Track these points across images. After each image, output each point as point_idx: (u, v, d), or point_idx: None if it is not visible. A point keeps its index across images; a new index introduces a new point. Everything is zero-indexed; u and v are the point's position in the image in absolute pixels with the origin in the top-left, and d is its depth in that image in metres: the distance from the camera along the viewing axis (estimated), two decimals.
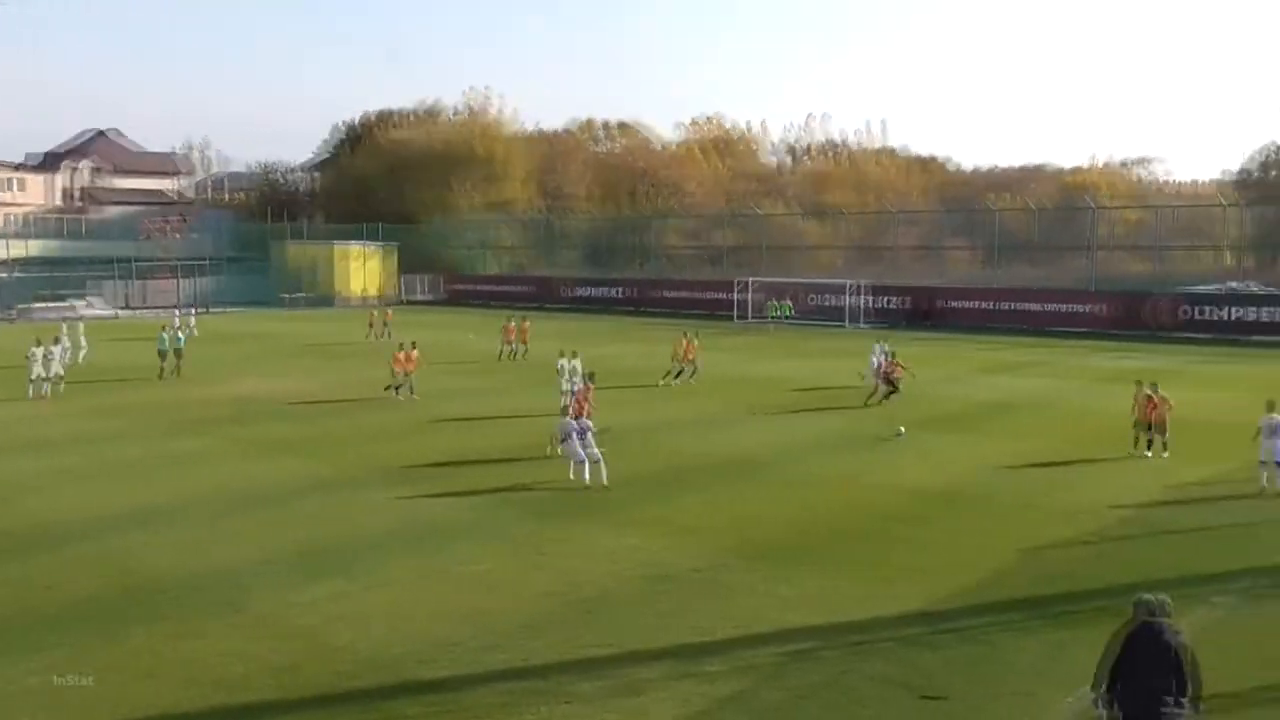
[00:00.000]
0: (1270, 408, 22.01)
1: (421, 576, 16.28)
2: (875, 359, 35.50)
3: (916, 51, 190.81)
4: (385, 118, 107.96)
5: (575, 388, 29.26)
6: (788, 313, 62.66)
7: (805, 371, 41.40)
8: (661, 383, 37.39)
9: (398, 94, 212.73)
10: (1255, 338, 52.96)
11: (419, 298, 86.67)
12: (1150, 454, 25.26)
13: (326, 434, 28.21)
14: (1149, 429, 25.57)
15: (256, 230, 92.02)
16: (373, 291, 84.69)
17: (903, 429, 28.09)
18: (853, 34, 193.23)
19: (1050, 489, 22.08)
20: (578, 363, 32.48)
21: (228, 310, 75.04)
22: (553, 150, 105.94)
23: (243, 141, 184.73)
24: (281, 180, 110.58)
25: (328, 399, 34.26)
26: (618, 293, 78.52)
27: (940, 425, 29.87)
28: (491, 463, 24.37)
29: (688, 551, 17.53)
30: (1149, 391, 25.81)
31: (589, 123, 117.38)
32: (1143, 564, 16.91)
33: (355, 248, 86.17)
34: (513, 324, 46.85)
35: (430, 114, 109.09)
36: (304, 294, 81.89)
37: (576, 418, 22.93)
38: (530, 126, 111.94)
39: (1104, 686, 9.97)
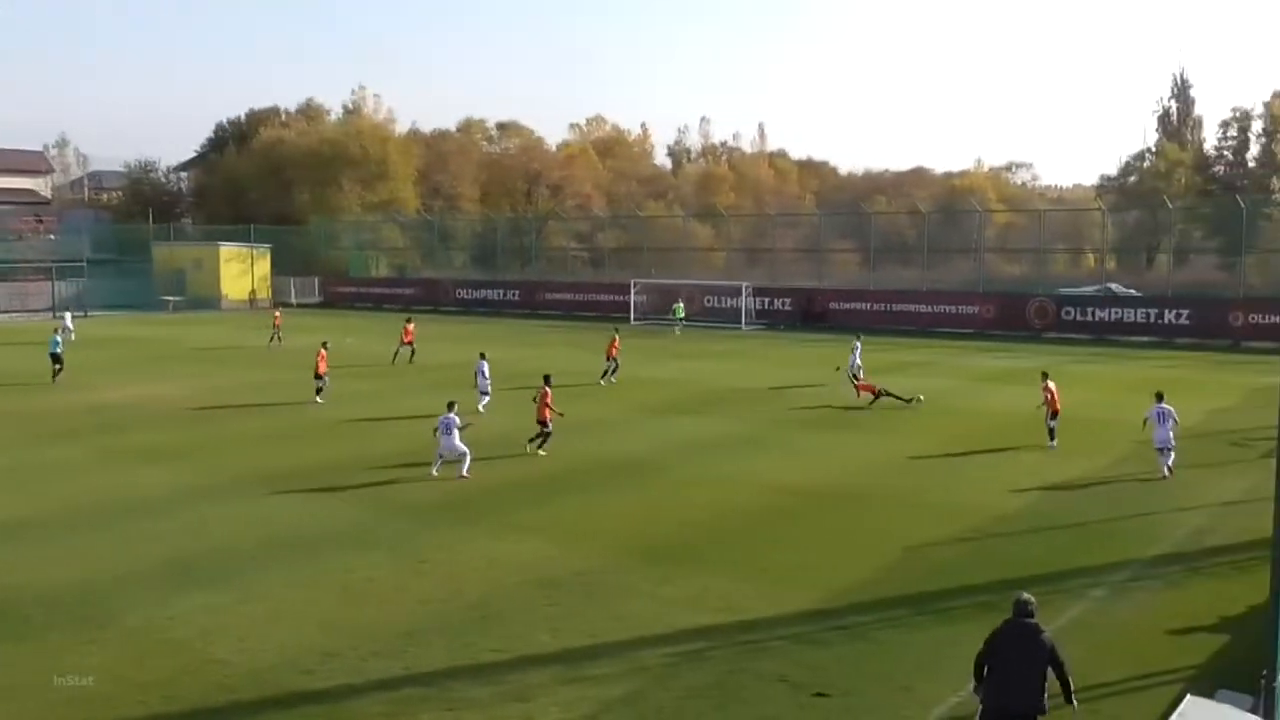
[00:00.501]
0: (1159, 398, 23.79)
1: (299, 586, 15.90)
2: (854, 357, 37.70)
3: (797, 56, 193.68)
4: (266, 117, 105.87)
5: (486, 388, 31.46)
6: (680, 314, 62.96)
7: (698, 373, 41.61)
8: (603, 382, 38.40)
9: (279, 93, 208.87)
10: (1131, 338, 54.74)
11: (292, 301, 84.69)
12: (1050, 444, 26.50)
13: (203, 441, 27.46)
14: (1054, 418, 26.83)
15: (133, 231, 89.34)
16: (244, 295, 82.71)
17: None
18: (732, 38, 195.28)
19: (933, 487, 22.47)
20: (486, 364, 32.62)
21: (106, 314, 72.66)
22: (440, 150, 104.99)
23: (114, 140, 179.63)
24: (163, 180, 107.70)
25: (207, 405, 33.36)
26: (507, 295, 78.13)
27: (825, 425, 30.25)
28: (373, 469, 23.96)
29: (574, 555, 17.42)
30: (1051, 384, 27.26)
31: (477, 122, 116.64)
32: (1021, 560, 17.29)
33: (237, 249, 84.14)
34: (411, 325, 46.63)
35: (312, 113, 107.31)
36: (185, 297, 79.71)
37: (541, 421, 24.92)
38: (416, 127, 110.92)
39: (979, 679, 10.18)
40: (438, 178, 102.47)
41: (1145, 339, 54.93)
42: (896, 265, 75.44)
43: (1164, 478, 22.86)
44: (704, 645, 13.71)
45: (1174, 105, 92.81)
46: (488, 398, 31.89)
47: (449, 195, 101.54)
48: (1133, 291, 61.96)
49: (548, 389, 25.97)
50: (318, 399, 33.87)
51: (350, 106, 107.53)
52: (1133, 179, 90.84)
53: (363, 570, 16.65)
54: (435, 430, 23.40)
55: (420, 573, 16.53)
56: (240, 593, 15.61)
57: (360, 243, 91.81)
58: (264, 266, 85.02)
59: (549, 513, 20.20)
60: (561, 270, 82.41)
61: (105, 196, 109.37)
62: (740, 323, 63.37)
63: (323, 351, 35.08)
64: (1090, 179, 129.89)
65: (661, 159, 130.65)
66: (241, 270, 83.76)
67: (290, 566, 16.80)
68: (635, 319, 67.05)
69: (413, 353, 45.07)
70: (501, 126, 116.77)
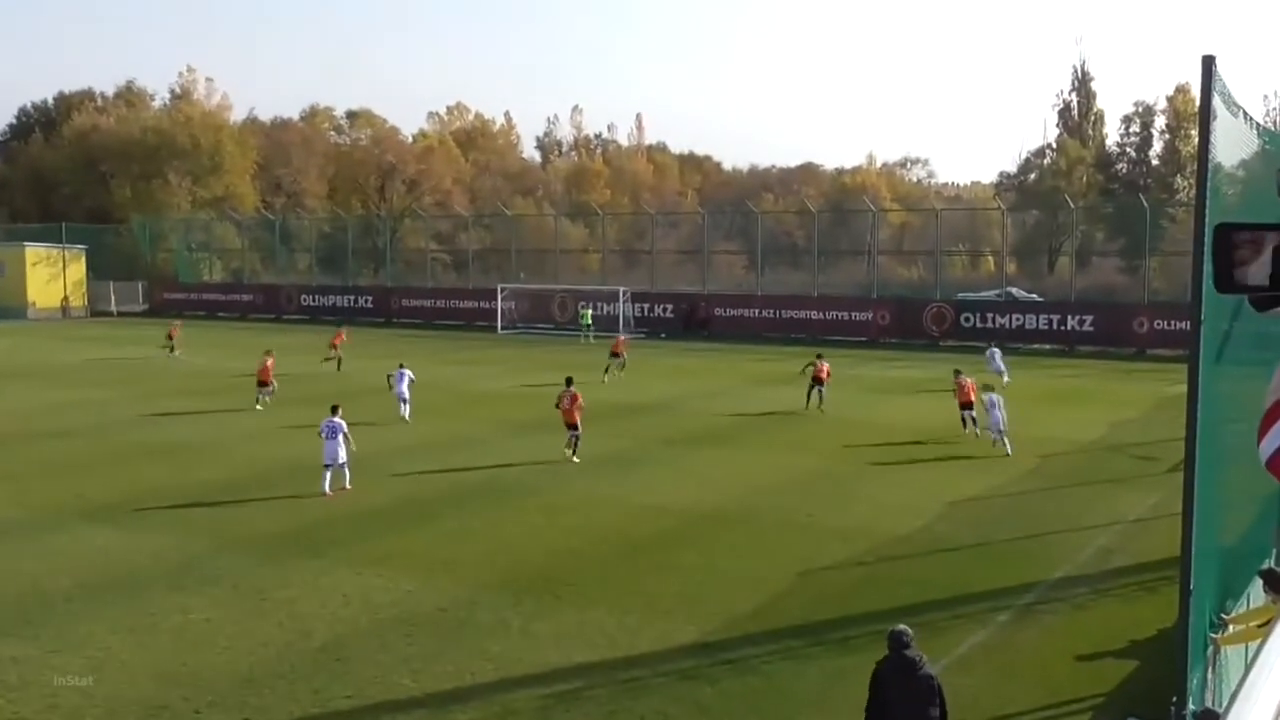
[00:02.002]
0: (987, 389, 29.88)
1: (125, 632, 15.44)
2: (996, 363, 41.80)
3: (677, 42, 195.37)
4: (78, 101, 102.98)
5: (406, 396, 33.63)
6: (587, 321, 62.84)
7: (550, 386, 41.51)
8: (605, 379, 41.93)
9: (94, 74, 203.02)
10: (1033, 345, 56.40)
11: (113, 309, 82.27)
12: (976, 430, 30.10)
13: (12, 468, 26.50)
14: (968, 409, 30.53)
15: None
16: (56, 303, 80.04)
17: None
18: (605, 20, 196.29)
19: (826, 507, 22.81)
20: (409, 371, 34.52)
21: None
22: (281, 141, 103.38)
23: None
24: None
25: (7, 428, 32.22)
26: (359, 302, 77.15)
27: (707, 441, 30.53)
28: (208, 495, 23.41)
29: (435, 589, 17.25)
30: (964, 379, 31.32)
31: (323, 110, 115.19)
32: (921, 583, 17.65)
33: (46, 250, 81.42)
34: (342, 332, 48.88)
35: (133, 98, 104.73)
36: None
37: (572, 426, 27.02)
38: (253, 115, 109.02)
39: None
40: (279, 171, 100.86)
41: (1048, 346, 56.66)
42: (785, 268, 76.63)
43: (1006, 455, 27.59)
44: (580, 685, 13.68)
45: (1074, 99, 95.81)
46: (408, 405, 33.69)
47: (292, 191, 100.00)
48: (1034, 296, 63.92)
49: (576, 392, 27.73)
50: (257, 406, 35.66)
51: (177, 91, 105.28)
52: (1033, 176, 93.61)
53: (198, 611, 16.24)
54: (320, 434, 24.10)
55: (262, 612, 16.20)
56: (54, 641, 15.07)
57: (191, 244, 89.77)
58: (78, 270, 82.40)
59: (407, 541, 19.98)
60: (420, 275, 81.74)
61: None
62: (618, 331, 63.57)
63: (269, 361, 36.65)
64: (989, 176, 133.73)
65: (530, 152, 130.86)
66: (52, 275, 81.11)
67: (114, 609, 16.31)
68: (503, 327, 66.84)
69: (340, 362, 45.77)
70: (351, 115, 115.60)
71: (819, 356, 37.26)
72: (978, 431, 30.00)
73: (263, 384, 36.38)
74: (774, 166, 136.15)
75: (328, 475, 23.71)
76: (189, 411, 35.33)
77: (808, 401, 35.64)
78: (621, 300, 64.97)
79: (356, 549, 19.48)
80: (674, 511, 22.33)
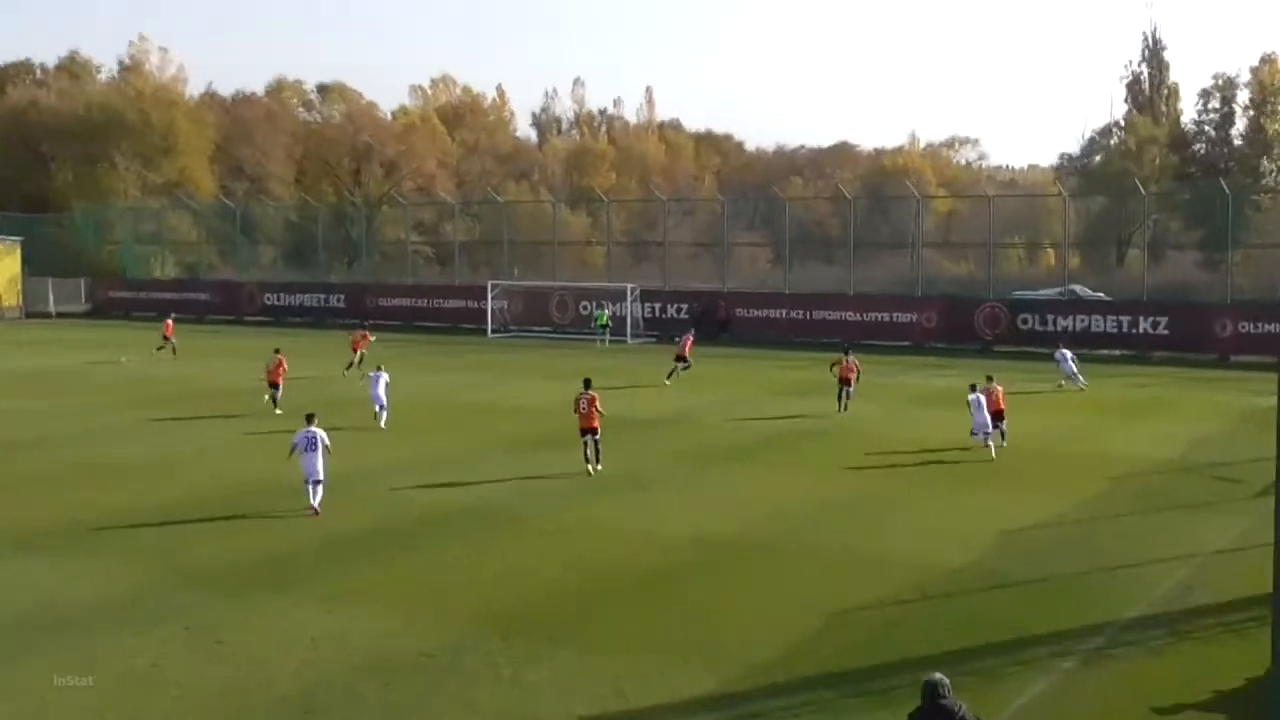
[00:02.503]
0: (973, 387, 31.46)
1: (65, 677, 15.36)
2: (1068, 365, 44.41)
3: (691, 7, 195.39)
4: (14, 73, 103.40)
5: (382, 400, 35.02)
6: (603, 322, 62.71)
7: (571, 397, 41.47)
8: (668, 382, 45.08)
9: (33, 43, 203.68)
10: (1099, 351, 56.22)
11: (51, 309, 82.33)
12: (1002, 444, 31.05)
13: None
14: (1001, 419, 31.42)
15: None
16: None
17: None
18: None
19: (862, 535, 22.69)
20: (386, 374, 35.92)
21: None
22: (244, 119, 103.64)
23: None
24: None
25: None
26: (330, 301, 77.25)
27: (726, 459, 30.43)
28: (158, 521, 23.36)
29: (416, 629, 17.16)
30: (995, 386, 32.05)
31: (291, 84, 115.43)
32: (971, 624, 17.51)
33: None
34: (367, 333, 50.22)
35: (76, 69, 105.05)
36: None
37: (590, 431, 28.02)
38: (212, 89, 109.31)
39: None
40: (241, 153, 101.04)
41: (1116, 352, 56.51)
42: (816, 263, 76.60)
43: (990, 459, 29.78)
44: None
45: (1145, 70, 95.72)
46: (385, 412, 35.14)
47: (255, 176, 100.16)
48: (1101, 295, 63.70)
49: (595, 394, 28.63)
50: (276, 410, 37.09)
51: (126, 62, 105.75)
52: (1098, 159, 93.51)
53: (145, 654, 16.17)
54: (292, 450, 24.46)
55: (219, 656, 16.12)
56: None
57: (140, 235, 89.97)
58: (12, 264, 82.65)
59: (384, 575, 19.90)
60: (399, 270, 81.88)
61: None
62: (625, 334, 63.57)
63: (280, 359, 38.62)
64: (1048, 158, 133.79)
65: (525, 130, 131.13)
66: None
67: (51, 651, 16.26)
68: (494, 330, 66.86)
69: (361, 360, 46.55)
70: (322, 89, 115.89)
71: (847, 351, 38.05)
72: (1003, 443, 31.34)
73: (274, 385, 38.29)
74: (803, 147, 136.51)
75: (309, 490, 24.10)
76: (139, 425, 35.32)
77: (839, 404, 36.62)
78: (629, 299, 64.94)
79: (327, 583, 19.40)
80: (688, 540, 22.22)
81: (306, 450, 24.26)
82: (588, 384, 29.50)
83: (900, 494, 26.36)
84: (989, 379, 32.72)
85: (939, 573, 20.19)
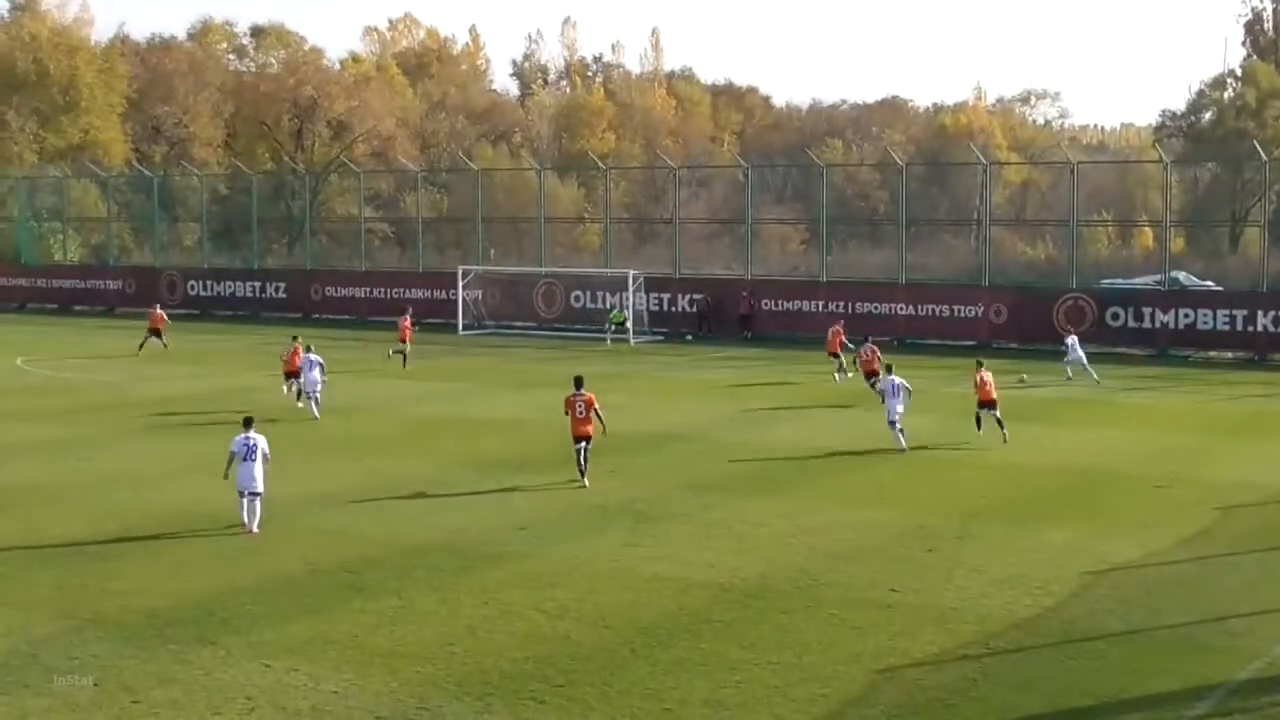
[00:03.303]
0: (889, 370, 35.79)
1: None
2: (1076, 353, 48.12)
3: None
4: None
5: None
6: (620, 320, 62.72)
7: (558, 411, 41.54)
8: (839, 378, 48.01)
9: None
10: (1208, 354, 56.17)
11: None
12: (1004, 436, 34.65)
13: None
14: (991, 409, 35.31)
15: None
16: None
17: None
18: None
19: (914, 579, 22.66)
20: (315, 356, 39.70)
21: None
22: (162, 70, 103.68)
23: None
24: None
25: None
26: (267, 291, 77.31)
27: (750, 486, 30.48)
28: (63, 559, 23.42)
29: (370, 689, 17.19)
30: (985, 373, 35.81)
31: (218, 26, 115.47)
32: (1049, 686, 17.50)
33: None
34: (408, 320, 53.80)
35: None
36: None
37: (585, 438, 29.48)
38: (124, 33, 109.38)
39: None
40: (159, 111, 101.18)
41: (1228, 354, 56.44)
42: (860, 244, 76.54)
43: (902, 451, 33.68)
44: None
45: (1270, 7, 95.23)
46: (316, 402, 38.86)
47: (176, 138, 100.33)
48: (1210, 285, 63.58)
49: (591, 394, 30.13)
50: (298, 403, 40.43)
51: (19, 0, 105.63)
52: (1208, 117, 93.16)
53: (43, 716, 16.23)
54: (230, 461, 25.36)
55: (135, 719, 16.21)
56: None
57: (38, 211, 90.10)
58: None
59: (332, 623, 19.91)
60: (350, 253, 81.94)
61: None
62: (627, 332, 63.52)
63: (297, 346, 42.05)
64: (1146, 116, 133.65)
65: (504, 82, 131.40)
66: None
67: None
68: (466, 327, 66.88)
69: (406, 358, 51.21)
70: (257, 32, 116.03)
71: (866, 338, 39.81)
72: (1005, 436, 34.82)
73: (291, 374, 41.78)
74: (844, 103, 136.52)
75: (245, 505, 24.99)
76: (37, 442, 35.39)
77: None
78: (631, 289, 64.84)
79: (263, 632, 19.43)
80: (703, 585, 22.24)
81: (245, 459, 24.94)
82: (580, 383, 30.60)
83: (962, 529, 26.31)
84: (979, 364, 36.50)
85: (1007, 623, 20.19)
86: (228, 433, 27.05)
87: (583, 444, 29.72)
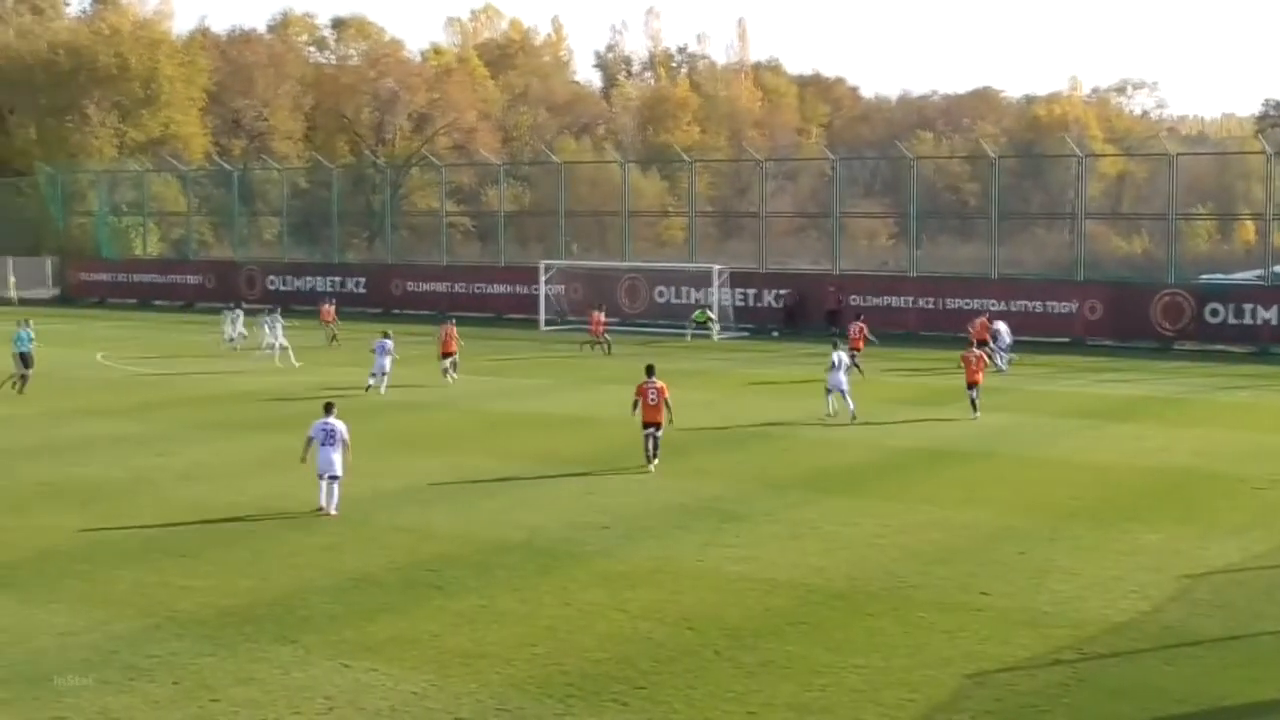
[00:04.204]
0: (835, 346, 39.08)
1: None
2: (1003, 339, 50.09)
3: None
4: None
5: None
6: (702, 320, 62.88)
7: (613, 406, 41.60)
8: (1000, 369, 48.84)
9: None
10: None
11: (11, 294, 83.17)
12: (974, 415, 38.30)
13: None
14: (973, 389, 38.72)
15: None
16: None
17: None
18: None
19: (1005, 581, 22.50)
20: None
21: None
22: (243, 63, 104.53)
23: None
24: None
25: None
26: (346, 285, 77.76)
27: (835, 485, 30.37)
28: (140, 555, 23.62)
29: (450, 690, 17.21)
30: (971, 353, 39.56)
31: (299, 19, 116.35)
32: (1147, 692, 17.33)
33: None
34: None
35: (40, 3, 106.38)
36: None
37: (655, 424, 30.98)
38: (205, 26, 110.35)
39: None
40: (239, 104, 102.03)
41: None
42: (950, 238, 76.11)
43: (828, 415, 38.20)
44: None
45: None
46: (387, 378, 43.06)
47: (256, 131, 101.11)
48: None
49: (660, 382, 31.59)
50: (449, 378, 46.10)
51: None
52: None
53: (123, 713, 16.32)
54: (308, 444, 26.33)
55: (214, 718, 16.31)
56: None
57: (118, 205, 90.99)
58: None
59: (411, 623, 19.96)
60: (431, 248, 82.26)
61: None
62: (710, 329, 63.49)
63: (450, 328, 47.38)
64: (1248, 106, 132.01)
65: (587, 74, 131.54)
66: None
67: (9, 708, 16.46)
68: (547, 322, 67.05)
69: (609, 346, 56.13)
70: (338, 24, 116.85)
71: (859, 316, 42.08)
72: (974, 415, 38.55)
73: (447, 354, 46.64)
74: (934, 94, 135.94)
75: (324, 488, 26.09)
76: (111, 437, 35.75)
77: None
78: (716, 284, 64.83)
79: (342, 632, 19.52)
80: (789, 586, 22.17)
81: (324, 444, 25.85)
82: (651, 371, 32.30)
83: (1055, 530, 26.10)
84: (990, 317, 40.04)
85: (1102, 628, 20.00)
86: (303, 429, 27.21)
87: (651, 429, 31.20)
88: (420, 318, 70.98)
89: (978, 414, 38.60)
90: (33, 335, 45.30)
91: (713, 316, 62.40)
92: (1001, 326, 51.19)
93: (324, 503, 26.00)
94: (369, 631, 19.58)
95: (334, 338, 59.89)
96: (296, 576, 22.39)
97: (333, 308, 62.18)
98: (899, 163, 77.56)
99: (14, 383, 43.65)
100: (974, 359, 39.53)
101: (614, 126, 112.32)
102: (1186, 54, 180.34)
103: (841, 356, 38.84)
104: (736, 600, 21.33)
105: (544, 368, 52.34)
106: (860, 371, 44.80)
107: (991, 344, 48.78)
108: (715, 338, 62.31)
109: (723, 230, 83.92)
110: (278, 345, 52.21)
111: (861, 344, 47.59)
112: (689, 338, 61.43)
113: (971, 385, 39.00)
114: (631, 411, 32.02)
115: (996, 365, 47.66)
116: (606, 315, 58.65)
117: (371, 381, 42.99)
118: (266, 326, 53.41)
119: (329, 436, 25.94)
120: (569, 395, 44.30)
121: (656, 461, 31.18)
